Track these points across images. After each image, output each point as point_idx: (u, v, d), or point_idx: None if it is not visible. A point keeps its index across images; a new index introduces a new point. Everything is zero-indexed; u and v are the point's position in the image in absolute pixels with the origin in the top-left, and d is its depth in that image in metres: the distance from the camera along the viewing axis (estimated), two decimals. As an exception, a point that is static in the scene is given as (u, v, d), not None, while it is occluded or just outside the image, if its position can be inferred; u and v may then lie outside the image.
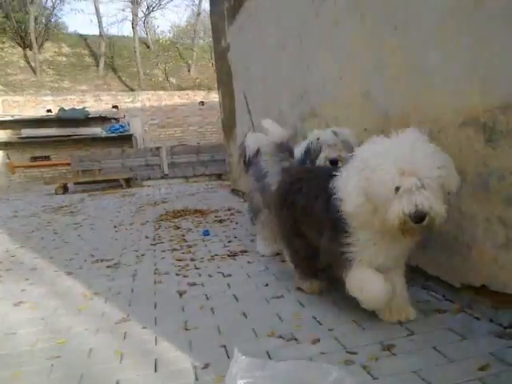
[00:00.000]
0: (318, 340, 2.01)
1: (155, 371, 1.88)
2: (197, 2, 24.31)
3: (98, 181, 13.34)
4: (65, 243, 5.04)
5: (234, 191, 8.13)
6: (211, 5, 8.53)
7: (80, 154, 13.87)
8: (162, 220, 6.02)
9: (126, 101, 15.56)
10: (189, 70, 22.48)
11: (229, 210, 6.27)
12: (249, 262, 3.46)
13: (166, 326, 2.33)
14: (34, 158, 14.35)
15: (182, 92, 17.12)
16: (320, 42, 3.63)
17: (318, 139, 2.91)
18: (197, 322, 2.34)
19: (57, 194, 12.35)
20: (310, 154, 2.91)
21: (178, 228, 5.24)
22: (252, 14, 5.58)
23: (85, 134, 14.35)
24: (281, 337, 2.07)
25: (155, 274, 3.38)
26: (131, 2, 22.05)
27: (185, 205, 7.27)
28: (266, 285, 2.87)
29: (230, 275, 3.13)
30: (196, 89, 19.48)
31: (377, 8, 2.72)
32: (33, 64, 19.71)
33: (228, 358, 1.90)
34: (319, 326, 2.18)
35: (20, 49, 20.79)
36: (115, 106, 15.34)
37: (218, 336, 2.16)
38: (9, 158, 14.14)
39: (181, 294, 2.84)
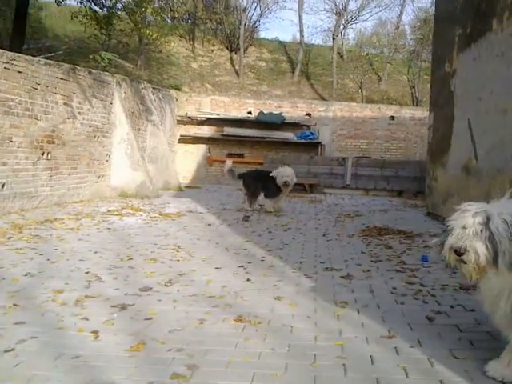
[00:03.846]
0: None
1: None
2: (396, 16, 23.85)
3: (284, 183, 14.20)
4: (285, 244, 5.57)
5: (432, 215, 8.01)
6: (435, 27, 8.50)
7: (272, 155, 14.88)
8: (367, 235, 6.25)
9: (320, 109, 16.17)
10: (379, 83, 22.49)
11: (435, 235, 6.23)
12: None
13: (433, 350, 2.52)
14: (231, 155, 15.75)
15: (373, 105, 17.21)
16: None
17: None
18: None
19: (247, 190, 13.46)
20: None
21: (390, 248, 5.41)
22: (496, 47, 5.48)
23: (278, 138, 15.32)
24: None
25: (392, 293, 3.61)
26: (336, 14, 22.74)
27: (383, 223, 7.40)
28: None
29: (472, 310, 3.21)
30: (386, 102, 19.43)
31: None
32: (237, 67, 21.56)
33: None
34: None
35: (227, 52, 22.90)
36: (308, 114, 16.06)
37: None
38: (210, 152, 15.76)
39: (430, 319, 3.02)
